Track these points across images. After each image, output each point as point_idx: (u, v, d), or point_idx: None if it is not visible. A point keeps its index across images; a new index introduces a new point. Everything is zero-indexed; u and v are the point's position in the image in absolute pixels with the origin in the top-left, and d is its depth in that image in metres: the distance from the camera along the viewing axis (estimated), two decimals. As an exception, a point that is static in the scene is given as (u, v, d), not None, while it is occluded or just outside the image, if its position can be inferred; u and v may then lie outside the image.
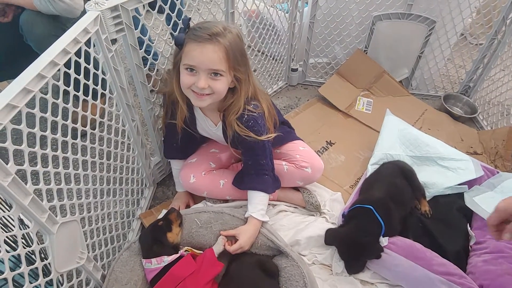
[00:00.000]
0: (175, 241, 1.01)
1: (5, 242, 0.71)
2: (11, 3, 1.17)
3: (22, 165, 0.63)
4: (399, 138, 1.39)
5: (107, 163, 0.98)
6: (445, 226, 1.13)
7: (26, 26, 1.17)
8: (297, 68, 1.86)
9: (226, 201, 1.24)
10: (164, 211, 1.21)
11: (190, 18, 0.88)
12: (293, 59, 1.83)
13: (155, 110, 1.16)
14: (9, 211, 0.62)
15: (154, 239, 0.98)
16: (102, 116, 0.91)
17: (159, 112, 1.19)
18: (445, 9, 1.55)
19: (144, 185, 1.29)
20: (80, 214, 0.84)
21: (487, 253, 1.03)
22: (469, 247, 1.09)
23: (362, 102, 1.73)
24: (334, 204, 1.25)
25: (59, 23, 1.15)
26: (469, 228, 1.12)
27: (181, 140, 1.13)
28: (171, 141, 1.16)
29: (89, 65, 0.79)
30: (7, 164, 0.58)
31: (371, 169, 1.30)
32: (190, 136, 1.14)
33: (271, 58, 1.75)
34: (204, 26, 0.87)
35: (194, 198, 1.27)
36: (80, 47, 0.74)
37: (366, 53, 1.75)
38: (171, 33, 1.10)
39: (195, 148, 1.24)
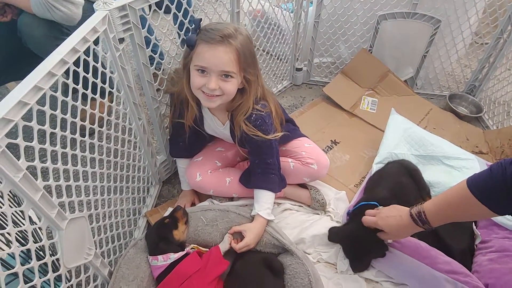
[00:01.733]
0: (181, 238, 1.02)
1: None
2: (11, 4, 1.18)
3: (33, 162, 0.65)
4: (404, 137, 1.39)
5: (114, 161, 0.99)
6: (451, 224, 1.10)
7: (24, 29, 1.17)
8: (301, 68, 1.87)
9: (232, 199, 1.25)
10: (170, 209, 1.22)
11: (201, 19, 0.89)
12: (297, 58, 1.84)
13: (161, 109, 1.17)
14: (16, 207, 0.63)
15: (161, 237, 0.99)
16: (109, 114, 0.92)
17: (165, 111, 1.20)
18: (451, 8, 1.54)
19: (150, 183, 1.30)
20: (88, 211, 0.85)
21: (493, 252, 1.03)
22: (475, 246, 1.09)
23: (366, 101, 1.73)
24: (339, 203, 1.25)
25: (58, 25, 1.16)
26: (474, 227, 1.11)
27: (188, 139, 1.14)
28: (178, 140, 1.17)
29: (97, 63, 0.80)
30: (18, 160, 0.59)
31: (375, 168, 1.30)
32: (197, 135, 1.15)
33: (276, 57, 1.75)
34: (216, 27, 0.87)
35: (200, 196, 1.28)
36: (89, 46, 0.75)
37: (371, 53, 1.75)
38: (177, 33, 1.11)
39: (201, 146, 1.24)
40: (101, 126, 0.88)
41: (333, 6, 1.62)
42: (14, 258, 0.62)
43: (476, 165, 1.29)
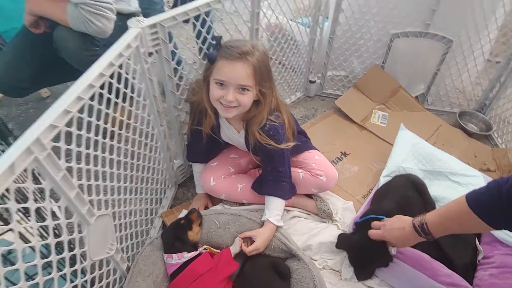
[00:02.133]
0: (195, 239, 1.08)
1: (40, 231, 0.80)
2: (46, 17, 1.28)
3: (70, 163, 0.72)
4: (412, 152, 1.43)
5: (137, 164, 1.07)
6: (454, 239, 1.15)
7: (59, 41, 1.27)
8: (315, 80, 1.93)
9: (242, 204, 1.31)
10: (184, 211, 1.29)
11: (221, 36, 0.96)
12: (311, 71, 1.90)
13: (181, 116, 1.25)
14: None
15: (176, 236, 1.06)
16: (135, 121, 1.00)
17: (184, 118, 1.28)
18: (462, 29, 1.59)
19: (166, 186, 1.38)
20: (111, 209, 0.93)
21: (494, 268, 1.06)
22: (477, 261, 1.12)
23: (377, 115, 1.78)
24: (346, 213, 1.30)
25: (90, 37, 1.25)
26: (477, 243, 1.15)
27: (204, 145, 1.21)
28: (195, 146, 1.25)
29: (128, 75, 0.88)
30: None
31: (383, 180, 1.34)
32: (213, 142, 1.22)
33: (290, 69, 1.82)
34: (235, 45, 0.95)
35: (212, 200, 1.35)
36: (123, 60, 0.84)
37: (383, 68, 1.80)
38: (200, 48, 1.19)
39: (217, 153, 1.31)
40: (127, 131, 0.96)
41: (348, 24, 1.68)
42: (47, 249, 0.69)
43: (481, 182, 1.33)
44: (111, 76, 0.80)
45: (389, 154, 1.47)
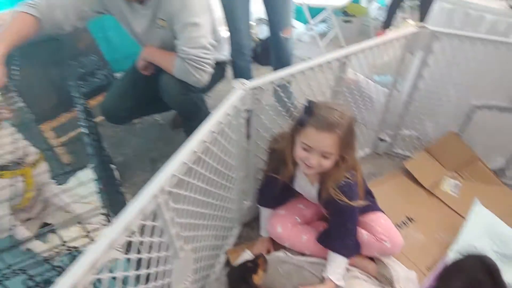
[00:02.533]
0: (258, 283, 1.14)
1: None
2: (155, 64, 1.50)
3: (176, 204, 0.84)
4: (486, 231, 1.37)
5: (216, 204, 1.17)
6: None
7: (163, 86, 1.49)
8: (385, 139, 1.94)
9: (303, 254, 1.34)
10: (247, 251, 1.36)
11: (312, 101, 1.06)
12: (382, 130, 1.92)
13: (259, 163, 1.35)
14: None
15: (242, 278, 1.13)
16: (222, 165, 1.12)
17: (261, 165, 1.38)
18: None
19: (233, 224, 1.47)
20: (193, 244, 1.03)
21: None
22: None
23: (448, 183, 1.73)
24: (408, 284, 1.27)
25: (188, 85, 1.45)
26: None
27: (277, 192, 1.28)
28: (268, 192, 1.33)
29: (228, 130, 1.01)
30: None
31: (451, 255, 1.30)
32: (286, 190, 1.29)
33: (362, 124, 1.85)
34: (325, 114, 1.03)
35: (274, 244, 1.40)
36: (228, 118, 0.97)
37: (460, 136, 1.77)
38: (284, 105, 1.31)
39: (286, 201, 1.38)
40: (216, 176, 1.08)
41: (428, 91, 1.69)
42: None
43: None
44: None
45: (458, 226, 1.42)
